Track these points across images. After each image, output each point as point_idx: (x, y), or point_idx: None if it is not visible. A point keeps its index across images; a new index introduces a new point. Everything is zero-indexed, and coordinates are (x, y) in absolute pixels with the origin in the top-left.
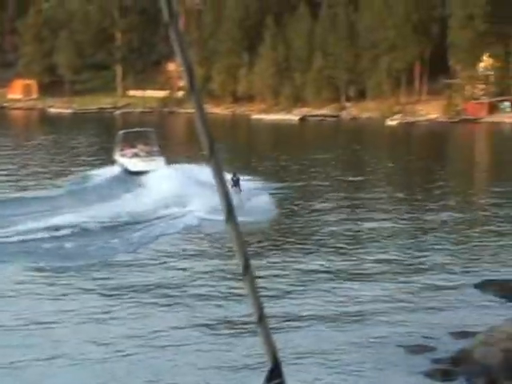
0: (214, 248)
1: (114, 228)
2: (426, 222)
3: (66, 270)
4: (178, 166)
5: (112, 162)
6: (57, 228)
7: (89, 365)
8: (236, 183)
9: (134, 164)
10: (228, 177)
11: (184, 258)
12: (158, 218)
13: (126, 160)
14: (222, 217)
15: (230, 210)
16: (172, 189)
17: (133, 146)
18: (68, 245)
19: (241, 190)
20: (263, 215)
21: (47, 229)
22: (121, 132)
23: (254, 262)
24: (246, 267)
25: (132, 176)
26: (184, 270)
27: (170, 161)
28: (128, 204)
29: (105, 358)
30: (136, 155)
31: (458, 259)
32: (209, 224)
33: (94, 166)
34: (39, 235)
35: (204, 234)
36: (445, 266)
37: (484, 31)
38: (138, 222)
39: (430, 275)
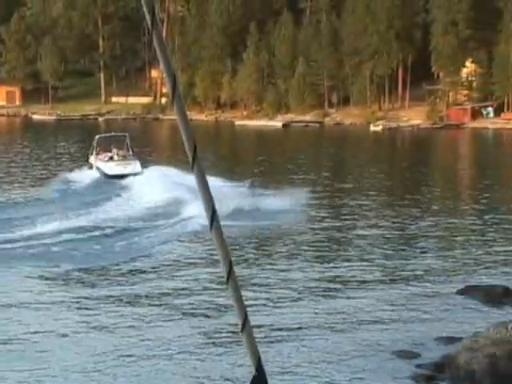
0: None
1: (113, 235)
2: (411, 228)
3: (64, 277)
4: (163, 170)
5: (89, 166)
6: (51, 234)
7: (74, 374)
8: (252, 185)
9: (111, 168)
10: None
11: (187, 266)
12: (158, 225)
13: (103, 164)
14: (226, 222)
15: (213, 217)
16: (162, 194)
17: (108, 150)
18: (71, 251)
19: (255, 193)
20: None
21: (41, 235)
22: (97, 136)
23: (237, 270)
24: (230, 274)
25: (110, 180)
26: (187, 277)
27: (155, 166)
28: (122, 209)
29: (91, 368)
30: (112, 159)
31: (441, 265)
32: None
33: (75, 170)
34: (33, 241)
35: (207, 240)
36: (429, 271)
37: (467, 37)
38: (136, 229)
39: (414, 281)
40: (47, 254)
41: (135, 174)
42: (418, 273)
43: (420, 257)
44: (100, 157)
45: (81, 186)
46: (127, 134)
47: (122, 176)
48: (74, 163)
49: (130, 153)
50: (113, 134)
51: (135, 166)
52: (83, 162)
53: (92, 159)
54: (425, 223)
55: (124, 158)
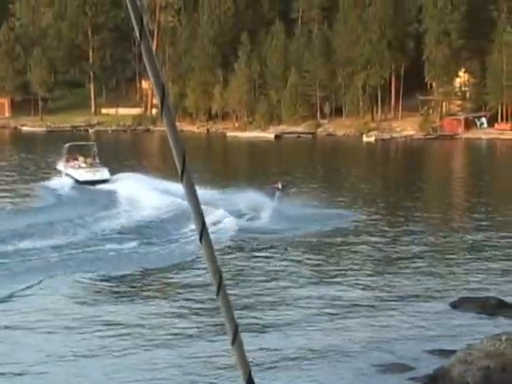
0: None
1: (127, 244)
2: (404, 241)
3: (92, 288)
4: (145, 178)
5: (58, 173)
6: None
7: None
8: (283, 188)
9: (81, 174)
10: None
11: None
12: (173, 234)
13: (73, 170)
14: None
15: (203, 229)
16: (157, 201)
17: (77, 158)
18: (89, 260)
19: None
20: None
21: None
22: (67, 145)
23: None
24: (220, 287)
25: (82, 185)
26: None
27: (149, 176)
28: (128, 218)
29: None
30: (81, 166)
31: (434, 278)
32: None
33: (49, 178)
34: (32, 256)
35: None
36: (422, 284)
37: (460, 47)
38: (151, 237)
39: (407, 294)
40: (58, 265)
41: (104, 181)
42: (411, 286)
43: (413, 270)
44: (70, 164)
45: (66, 193)
46: (95, 143)
47: (92, 182)
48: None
49: (97, 161)
50: (82, 142)
51: (104, 172)
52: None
53: (61, 166)
54: (417, 236)
55: (91, 165)
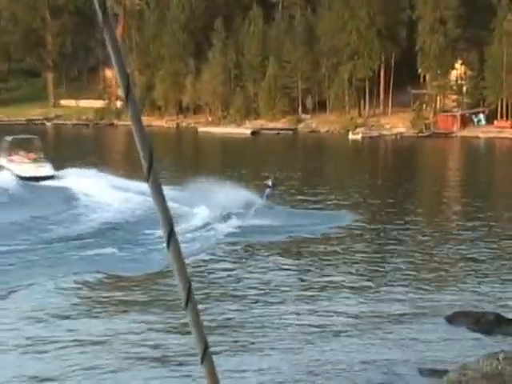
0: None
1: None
2: (395, 251)
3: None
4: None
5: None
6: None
7: None
8: (274, 186)
9: (23, 170)
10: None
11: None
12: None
13: (15, 165)
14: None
15: (171, 233)
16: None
17: (19, 153)
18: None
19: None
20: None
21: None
22: (10, 138)
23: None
24: (189, 298)
25: (24, 181)
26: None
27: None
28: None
29: None
30: (23, 161)
31: (427, 290)
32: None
33: None
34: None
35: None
36: (414, 297)
37: (456, 36)
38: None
39: (398, 308)
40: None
41: (48, 177)
42: (402, 299)
43: (404, 282)
44: (11, 158)
45: (16, 191)
46: (37, 137)
47: (36, 178)
48: None
49: (41, 156)
50: (24, 136)
51: (48, 168)
52: None
53: (2, 161)
54: (408, 245)
55: (35, 160)
